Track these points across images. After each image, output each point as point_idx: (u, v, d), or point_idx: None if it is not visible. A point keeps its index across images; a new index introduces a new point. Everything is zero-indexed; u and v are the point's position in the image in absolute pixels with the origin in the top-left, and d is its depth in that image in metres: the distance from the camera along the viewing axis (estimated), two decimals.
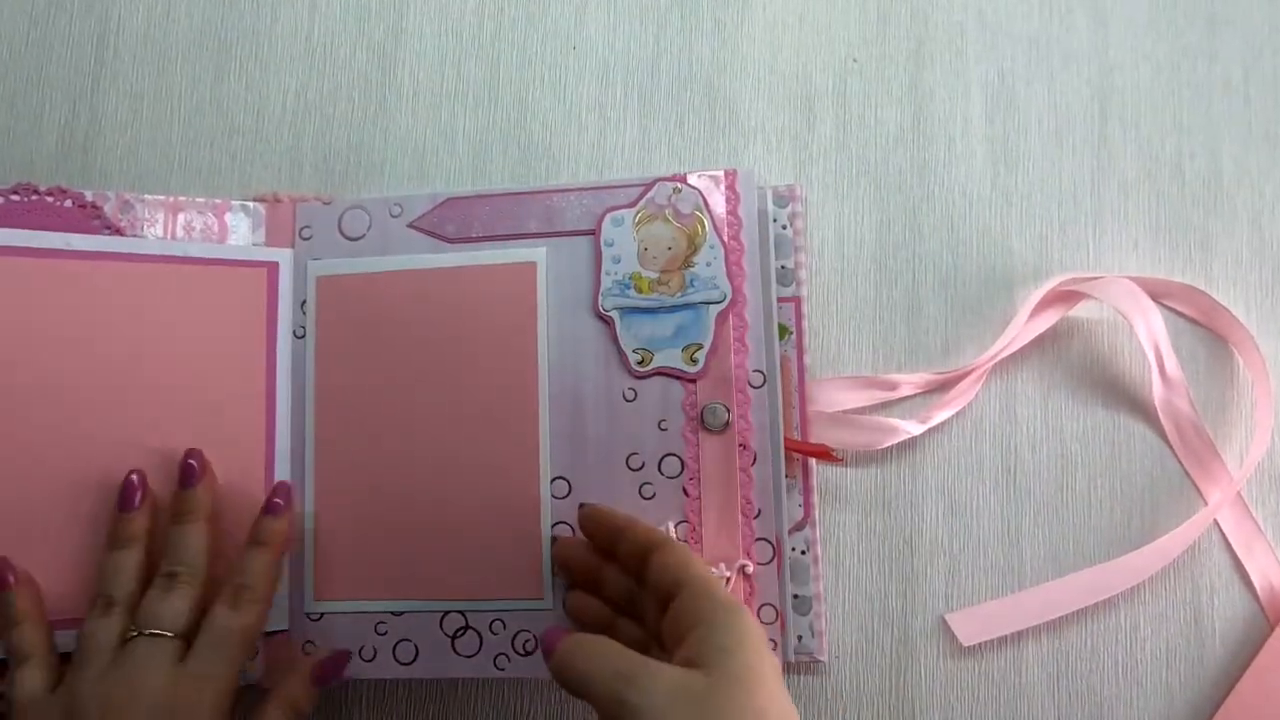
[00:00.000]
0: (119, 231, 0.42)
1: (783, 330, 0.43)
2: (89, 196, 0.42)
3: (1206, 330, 0.46)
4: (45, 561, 0.39)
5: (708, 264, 0.42)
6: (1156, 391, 0.45)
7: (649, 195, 0.43)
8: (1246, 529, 0.44)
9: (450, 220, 0.44)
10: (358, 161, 0.48)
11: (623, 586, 0.38)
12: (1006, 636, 0.44)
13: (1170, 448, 0.45)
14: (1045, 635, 0.44)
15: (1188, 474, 0.45)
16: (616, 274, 0.42)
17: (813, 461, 0.43)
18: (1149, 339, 0.44)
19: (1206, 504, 0.44)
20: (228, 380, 0.42)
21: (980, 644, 0.43)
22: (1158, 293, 0.46)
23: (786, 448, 0.42)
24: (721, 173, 0.43)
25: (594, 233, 0.43)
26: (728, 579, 0.40)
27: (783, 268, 0.44)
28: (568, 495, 0.41)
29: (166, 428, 0.41)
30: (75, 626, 0.37)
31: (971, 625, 0.43)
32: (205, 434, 0.41)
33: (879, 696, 0.44)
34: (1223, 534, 0.44)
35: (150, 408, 0.41)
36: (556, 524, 0.41)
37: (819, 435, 0.44)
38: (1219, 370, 0.45)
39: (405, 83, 0.49)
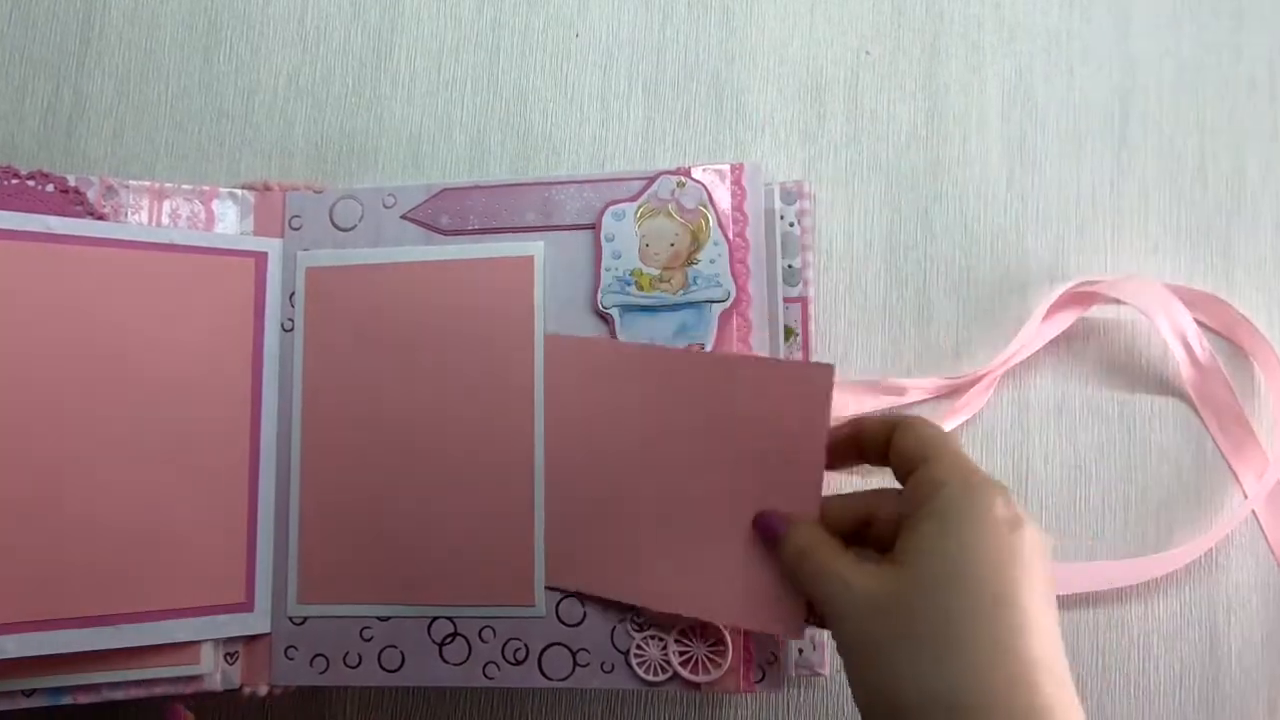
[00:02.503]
0: (102, 218, 0.42)
1: (788, 332, 0.43)
2: (72, 181, 0.42)
3: (1227, 341, 0.46)
4: (17, 552, 0.38)
5: (711, 261, 0.42)
6: (1189, 379, 0.45)
7: (652, 189, 0.43)
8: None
9: (445, 212, 0.44)
10: (351, 149, 0.48)
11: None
12: None
13: (1210, 435, 0.45)
14: None
15: (1227, 462, 0.45)
16: (617, 270, 0.42)
17: None
18: (1175, 332, 0.44)
19: (1245, 494, 0.45)
20: (212, 373, 0.42)
21: None
22: (1175, 298, 0.46)
23: None
24: (727, 167, 0.42)
25: (594, 227, 0.43)
26: None
27: (789, 267, 0.44)
28: None
29: (147, 421, 0.41)
30: (50, 628, 0.37)
31: None
32: (188, 429, 0.41)
33: None
34: (1261, 528, 0.44)
35: (131, 400, 0.40)
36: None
37: None
38: (1239, 384, 0.45)
39: (401, 68, 0.49)
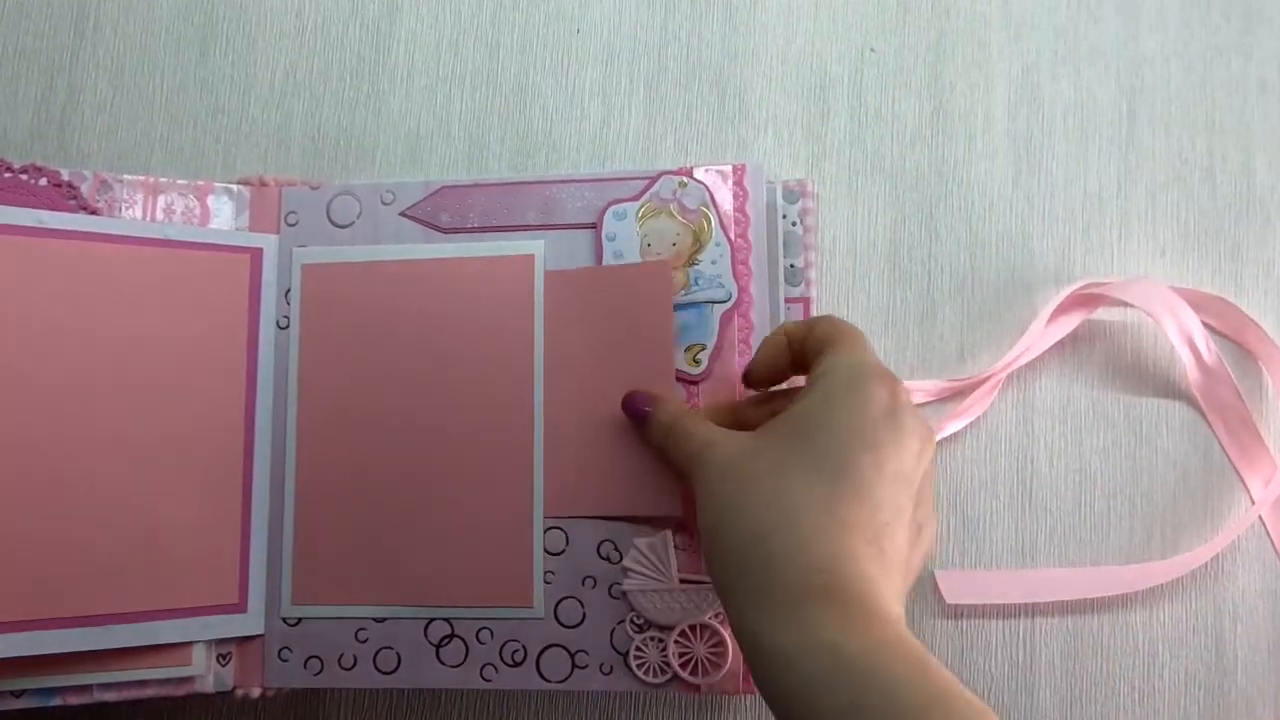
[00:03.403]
0: (96, 212, 0.42)
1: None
2: (65, 175, 0.42)
3: (1235, 344, 0.46)
4: (6, 551, 0.38)
5: (713, 262, 0.42)
6: (1196, 382, 0.45)
7: (653, 189, 0.43)
8: None
9: (444, 209, 0.44)
10: (348, 145, 0.48)
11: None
12: (1018, 659, 0.43)
13: (1217, 440, 0.45)
14: (1058, 658, 0.43)
15: (1234, 467, 0.45)
16: None
17: None
18: (1181, 334, 0.44)
19: (1252, 499, 0.45)
20: (206, 371, 0.42)
21: (991, 670, 0.43)
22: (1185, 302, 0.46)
23: None
24: (730, 167, 0.42)
25: (595, 226, 0.43)
26: None
27: (791, 267, 0.43)
28: None
29: (140, 419, 0.41)
30: (39, 628, 0.37)
31: (959, 586, 0.44)
32: (181, 427, 0.41)
33: None
34: (1268, 534, 0.44)
35: (123, 398, 0.40)
36: (549, 529, 0.41)
37: None
38: (1247, 388, 0.45)
39: (400, 63, 0.49)
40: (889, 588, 0.30)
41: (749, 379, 0.38)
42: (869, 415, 0.32)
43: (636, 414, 0.39)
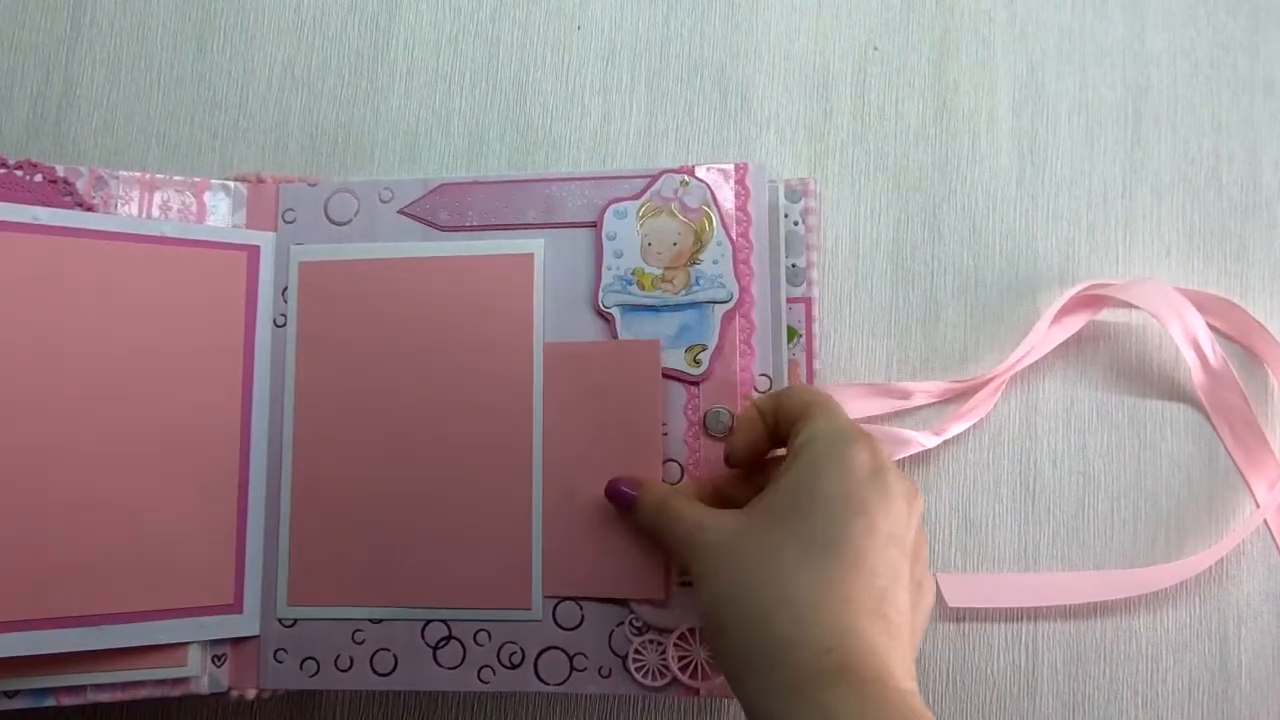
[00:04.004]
0: (91, 209, 0.42)
1: (791, 333, 0.43)
2: (61, 171, 0.42)
3: (1240, 347, 0.46)
4: (1, 551, 0.38)
5: (714, 261, 0.42)
6: (1201, 385, 0.45)
7: (655, 187, 0.43)
8: None
9: (443, 207, 0.44)
10: (346, 142, 0.48)
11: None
12: (1020, 663, 0.43)
13: (1222, 442, 0.45)
14: (1061, 662, 0.43)
15: (1239, 470, 0.45)
16: (618, 269, 0.42)
17: None
18: (1186, 336, 0.44)
19: (1257, 503, 0.45)
20: (202, 370, 0.42)
21: (994, 671, 0.43)
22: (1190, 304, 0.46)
23: None
24: (731, 166, 0.42)
25: (595, 225, 0.43)
26: None
27: (793, 266, 0.43)
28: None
29: (135, 417, 0.41)
30: (32, 628, 0.37)
31: (961, 589, 0.44)
32: (177, 426, 0.41)
33: None
34: (1273, 537, 0.44)
35: (118, 396, 0.40)
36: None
37: None
38: (1252, 391, 0.45)
39: (399, 60, 0.49)
40: (898, 658, 0.30)
41: (731, 461, 0.38)
42: (854, 480, 0.32)
43: (621, 499, 0.39)
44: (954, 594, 0.44)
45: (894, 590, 0.31)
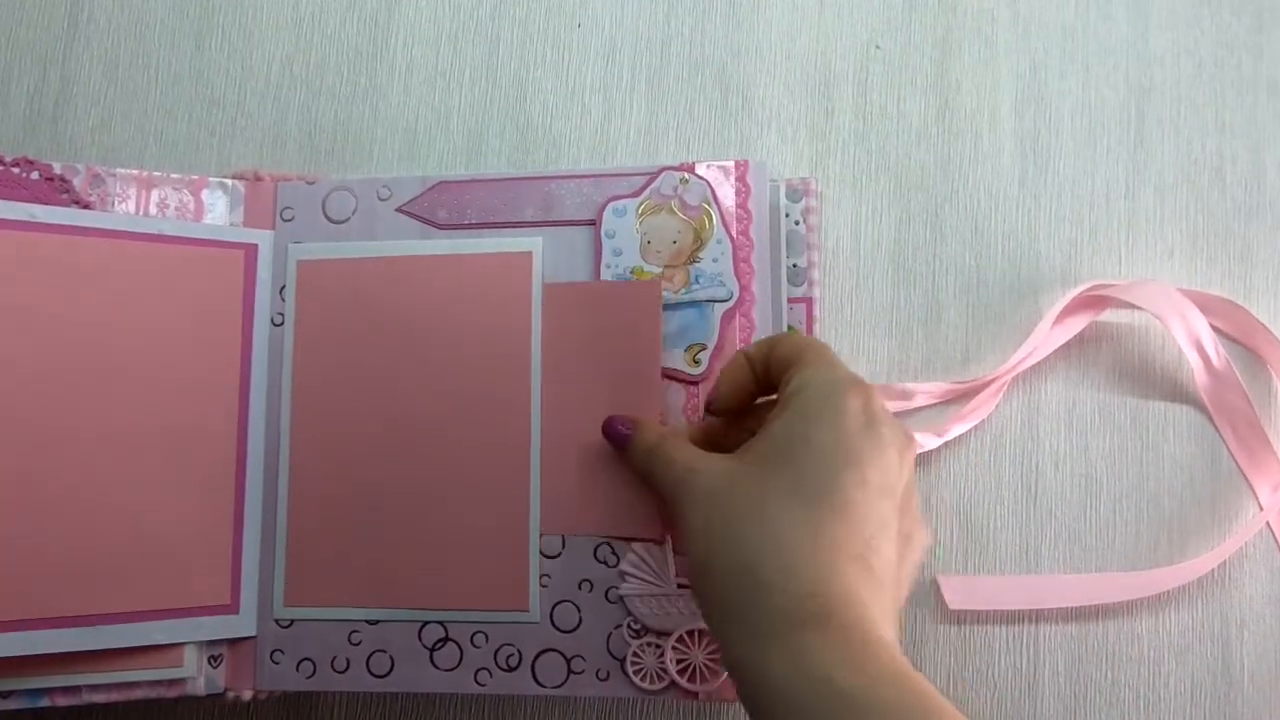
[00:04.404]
0: (88, 206, 0.42)
1: (792, 332, 0.43)
2: (57, 169, 0.42)
3: (1244, 348, 0.46)
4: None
5: (714, 260, 0.42)
6: (1204, 386, 0.45)
7: (654, 185, 0.43)
8: None
9: (442, 205, 0.44)
10: (345, 140, 0.48)
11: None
12: (1021, 666, 0.43)
13: (1225, 444, 0.45)
14: (1062, 665, 0.44)
15: (1242, 472, 0.45)
16: (617, 267, 0.42)
17: None
18: (1189, 338, 0.44)
19: (1260, 505, 0.45)
20: (199, 368, 0.42)
21: (995, 673, 0.43)
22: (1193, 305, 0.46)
23: None
24: (732, 164, 0.42)
25: (595, 223, 0.43)
26: None
27: (794, 266, 0.44)
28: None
29: (131, 417, 0.41)
30: (27, 628, 0.37)
31: (962, 591, 0.44)
32: (173, 425, 0.41)
33: None
34: (1276, 540, 0.44)
35: (115, 395, 0.41)
36: (545, 532, 0.41)
37: None
38: (1256, 393, 0.45)
39: (398, 57, 0.49)
40: (879, 608, 0.30)
41: (713, 408, 0.38)
42: (847, 430, 0.32)
43: (616, 437, 0.39)
44: (955, 597, 0.44)
45: (879, 540, 0.31)
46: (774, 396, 0.36)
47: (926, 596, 0.44)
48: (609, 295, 0.42)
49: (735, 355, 0.38)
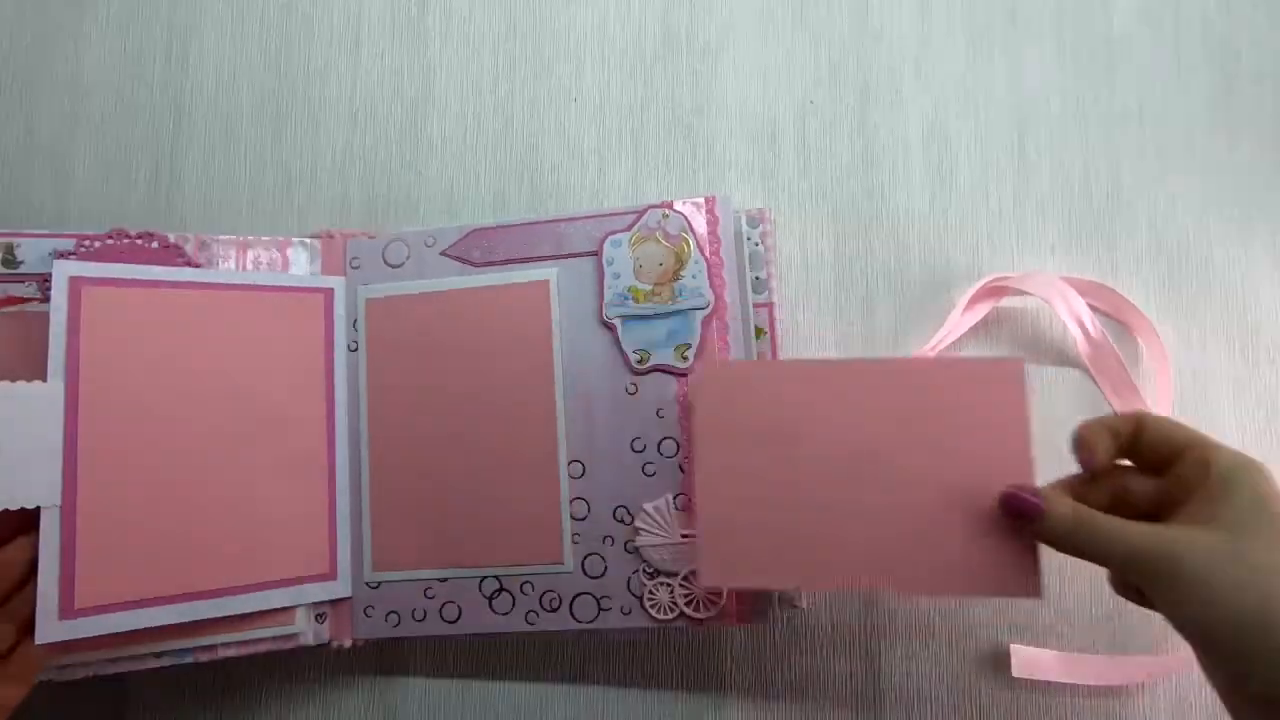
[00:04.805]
0: (198, 267, 0.42)
1: (759, 331, 0.43)
2: (172, 238, 0.42)
3: (1114, 320, 0.46)
4: (157, 539, 0.38)
5: (693, 277, 0.42)
6: (1085, 353, 0.44)
7: (642, 220, 0.43)
8: None
9: (476, 247, 0.44)
10: (397, 202, 0.48)
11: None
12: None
13: (1105, 398, 0.45)
14: None
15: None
16: (617, 287, 0.42)
17: None
18: (1070, 314, 0.44)
19: None
20: (295, 388, 0.42)
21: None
22: (1072, 289, 0.46)
23: None
24: (703, 200, 0.43)
25: (597, 253, 0.43)
26: None
27: (757, 278, 0.44)
28: (582, 475, 0.42)
29: (246, 429, 0.41)
30: (185, 599, 0.38)
31: (1029, 662, 0.42)
32: (279, 434, 0.41)
33: (851, 635, 0.44)
34: None
35: (232, 412, 0.40)
36: (574, 499, 0.41)
37: None
38: (1125, 353, 0.45)
39: (435, 135, 0.49)
40: None
41: (1093, 470, 0.34)
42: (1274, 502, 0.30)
43: (1026, 508, 0.33)
44: (1019, 664, 0.42)
45: None
46: (1125, 461, 0.35)
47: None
48: (959, 377, 0.35)
49: (1095, 425, 0.34)
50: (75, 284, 0.38)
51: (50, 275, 0.38)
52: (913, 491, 0.35)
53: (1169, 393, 0.44)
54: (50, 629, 0.35)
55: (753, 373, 0.38)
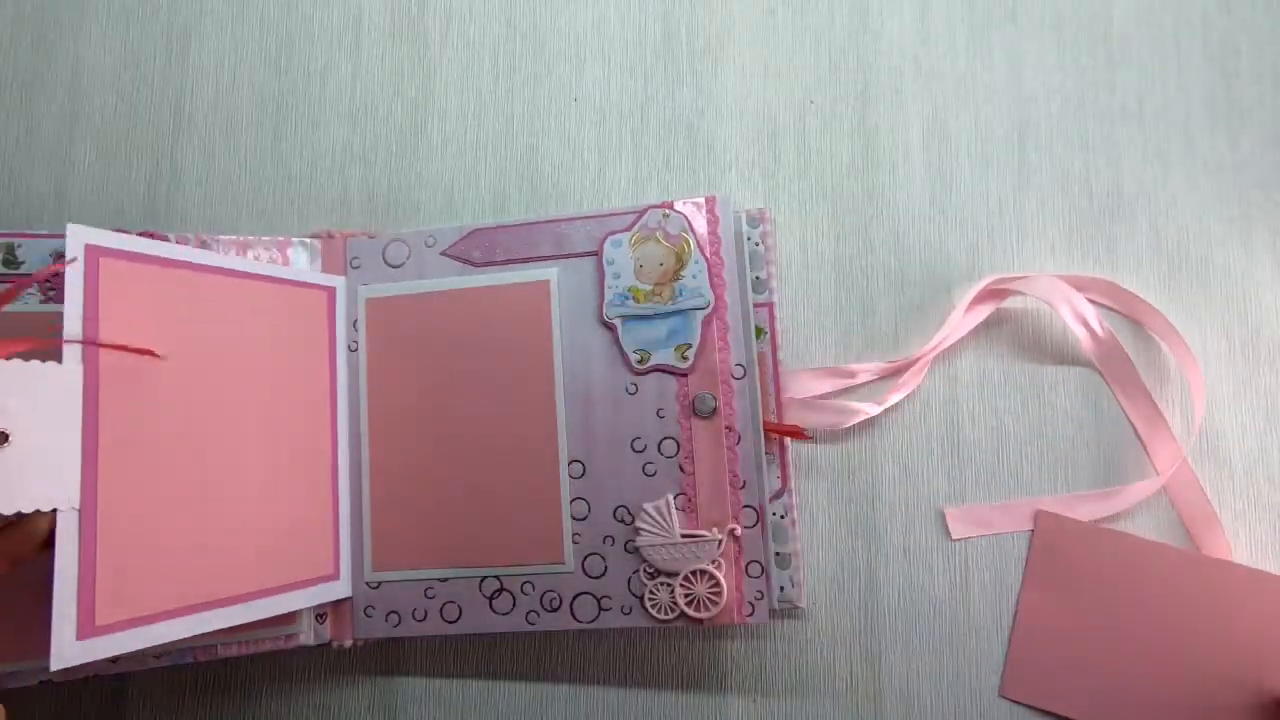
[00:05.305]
0: None
1: (759, 330, 0.43)
2: (173, 238, 0.42)
3: (1121, 315, 0.46)
4: (175, 551, 0.35)
5: (694, 277, 0.42)
6: (1092, 352, 0.44)
7: (642, 220, 0.43)
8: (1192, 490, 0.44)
9: (476, 247, 0.44)
10: (397, 201, 0.48)
11: None
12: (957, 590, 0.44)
13: (1114, 396, 0.45)
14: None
15: (1129, 419, 0.45)
16: (617, 287, 0.42)
17: (788, 440, 0.43)
18: (1075, 316, 0.44)
19: (1135, 429, 0.44)
20: (301, 385, 0.42)
21: (936, 598, 0.44)
22: (1074, 286, 0.46)
23: (765, 429, 0.42)
24: (703, 200, 0.43)
25: (597, 253, 0.43)
26: (719, 541, 0.40)
27: (757, 278, 0.44)
28: (582, 475, 0.42)
29: (250, 422, 0.40)
30: (204, 609, 0.35)
31: (964, 523, 0.44)
32: (281, 433, 0.41)
33: (850, 635, 0.44)
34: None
35: (238, 405, 0.39)
36: (574, 499, 0.41)
37: (792, 418, 0.44)
38: (1137, 348, 0.45)
39: (435, 134, 0.49)
40: None
41: None
42: None
43: None
44: (957, 528, 0.44)
45: None
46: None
47: (895, 577, 0.44)
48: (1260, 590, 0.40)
49: None
50: (93, 252, 0.34)
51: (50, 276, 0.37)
52: (1199, 673, 0.40)
53: (1201, 389, 0.44)
54: (67, 651, 0.30)
55: (1091, 536, 0.43)
